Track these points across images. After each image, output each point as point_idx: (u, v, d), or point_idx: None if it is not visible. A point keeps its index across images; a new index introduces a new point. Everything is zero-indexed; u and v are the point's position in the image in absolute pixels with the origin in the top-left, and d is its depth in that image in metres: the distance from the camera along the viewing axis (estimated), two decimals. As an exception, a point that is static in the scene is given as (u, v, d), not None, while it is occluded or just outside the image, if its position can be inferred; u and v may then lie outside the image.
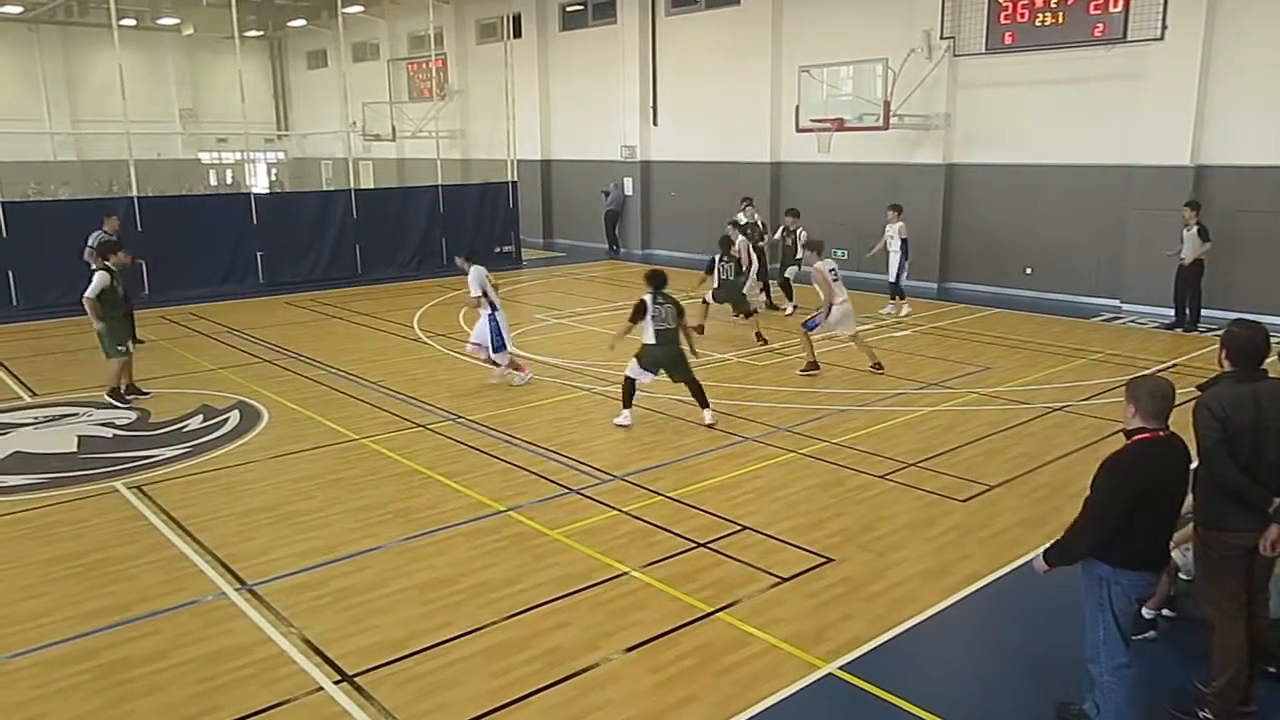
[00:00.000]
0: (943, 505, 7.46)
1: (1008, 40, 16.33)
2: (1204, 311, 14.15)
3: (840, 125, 17.95)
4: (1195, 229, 13.61)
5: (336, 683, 5.05)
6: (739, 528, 7.01)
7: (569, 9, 26.02)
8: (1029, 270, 17.28)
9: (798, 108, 18.64)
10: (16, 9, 30.18)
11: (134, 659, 5.33)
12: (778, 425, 9.54)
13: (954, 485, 7.86)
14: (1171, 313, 14.36)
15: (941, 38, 17.10)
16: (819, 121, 18.26)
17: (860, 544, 6.74)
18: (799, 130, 18.79)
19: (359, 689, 4.98)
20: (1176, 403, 4.22)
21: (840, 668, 5.14)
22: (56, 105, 34.51)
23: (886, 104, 17.21)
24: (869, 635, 5.47)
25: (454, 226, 21.59)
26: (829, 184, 20.14)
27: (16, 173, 23.85)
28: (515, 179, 23.08)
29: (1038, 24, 15.85)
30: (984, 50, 16.63)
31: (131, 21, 31.86)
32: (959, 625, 5.78)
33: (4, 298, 16.31)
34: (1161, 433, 4.15)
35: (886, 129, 17.43)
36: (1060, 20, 15.57)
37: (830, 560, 6.46)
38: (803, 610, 5.78)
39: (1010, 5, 16.14)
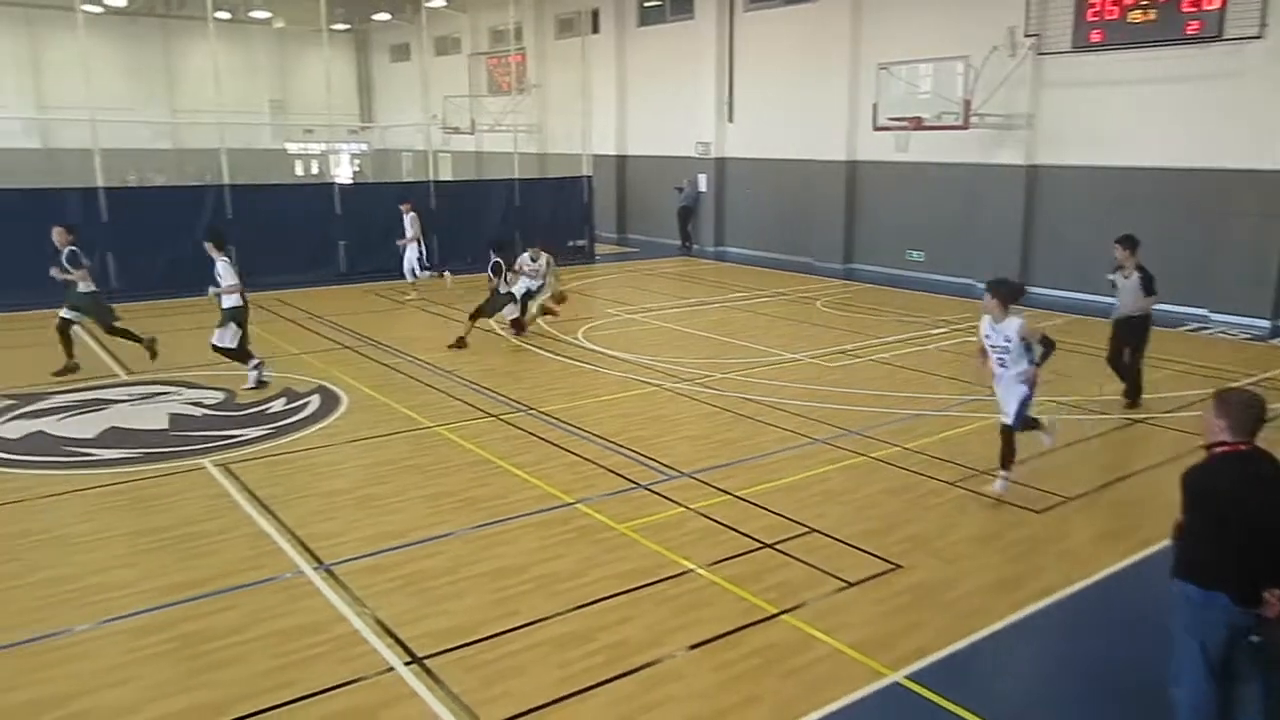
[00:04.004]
0: (1016, 515, 7.31)
1: (1095, 38, 15.85)
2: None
3: (918, 124, 17.66)
4: (1135, 275, 9.93)
5: (407, 664, 5.18)
6: (806, 530, 6.98)
7: (647, 4, 26.08)
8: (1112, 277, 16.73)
9: (875, 106, 18.40)
10: (121, 2, 31.43)
11: (215, 631, 5.55)
12: (848, 428, 9.45)
13: (1029, 495, 7.69)
14: (1265, 323, 13.63)
15: (1026, 35, 16.69)
16: (897, 120, 18.00)
17: (929, 551, 6.65)
18: (876, 129, 18.56)
19: (428, 671, 5.11)
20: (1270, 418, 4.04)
21: (907, 676, 5.09)
22: (155, 95, 35.86)
23: (967, 103, 16.88)
24: (937, 645, 5.40)
25: (529, 220, 21.82)
26: (905, 184, 19.86)
27: (117, 160, 24.86)
28: (590, 174, 23.24)
29: (1128, 21, 15.36)
30: (1070, 48, 16.18)
31: (226, 15, 32.95)
32: (1031, 639, 5.67)
33: (103, 279, 16.95)
34: (1244, 446, 3.95)
35: (966, 128, 17.11)
36: (1152, 17, 15.05)
37: (899, 567, 6.40)
38: (869, 616, 5.73)
39: (1099, 2, 15.67)
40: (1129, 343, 10.14)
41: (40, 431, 9.26)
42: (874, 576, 6.25)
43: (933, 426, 9.53)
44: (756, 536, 6.85)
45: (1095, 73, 16.36)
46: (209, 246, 10.70)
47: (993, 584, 6.17)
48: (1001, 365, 7.39)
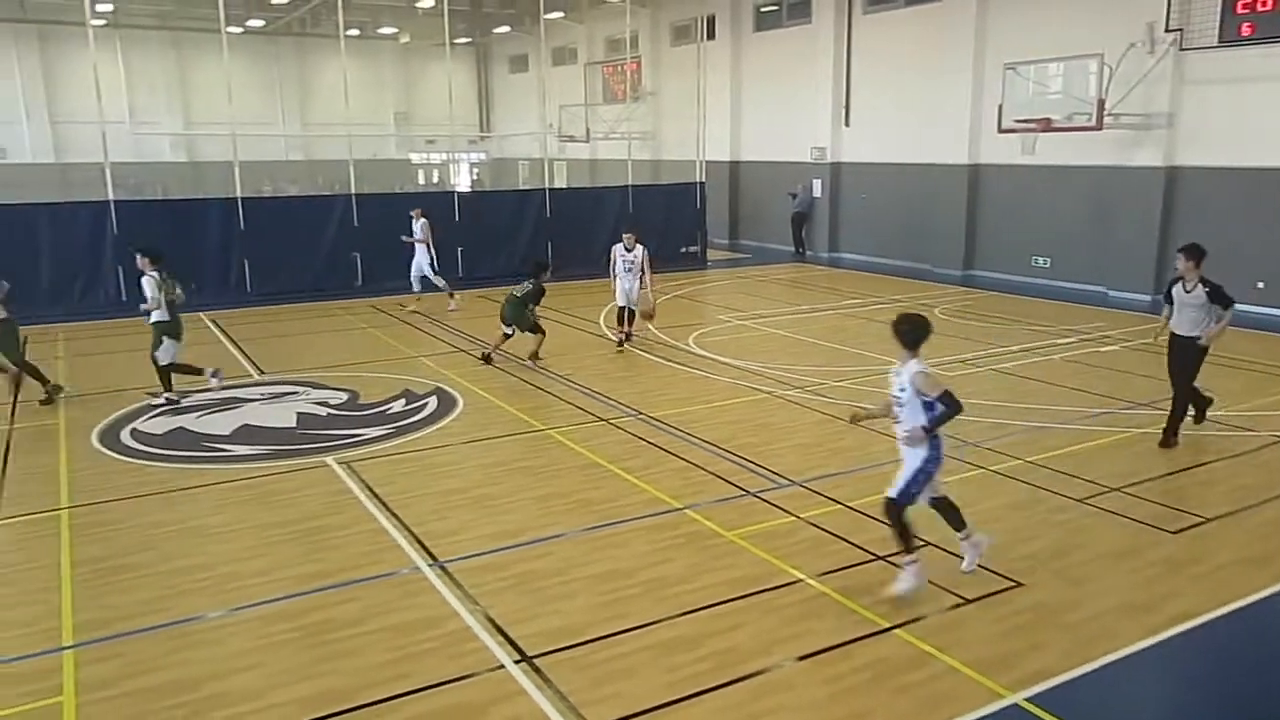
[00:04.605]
0: (1149, 535, 6.91)
1: (1246, 31, 14.89)
2: None
3: (1047, 125, 16.97)
4: (1202, 289, 8.57)
5: (516, 662, 5.27)
6: (921, 543, 6.76)
7: (763, 9, 25.91)
8: (1261, 285, 15.69)
9: (1000, 107, 17.78)
10: (259, 22, 33.24)
11: (337, 622, 5.76)
12: (966, 439, 9.12)
13: (1163, 515, 7.27)
14: None
15: (1167, 30, 15.82)
16: (1023, 122, 17.34)
17: (1053, 570, 6.35)
18: (1001, 131, 17.92)
19: (537, 670, 5.18)
20: None
21: (1027, 699, 4.87)
22: (289, 110, 37.75)
23: (1100, 102, 16.12)
24: (1060, 668, 5.15)
25: (642, 226, 21.92)
26: (1031, 188, 19.10)
27: (254, 172, 26.33)
28: (704, 179, 23.23)
29: (1285, 12, 14.38)
30: (1217, 43, 15.26)
31: (355, 32, 34.43)
32: (1164, 666, 5.34)
33: (240, 284, 18.02)
34: None
35: (1100, 129, 16.33)
36: (1311, 8, 14.06)
37: (1019, 585, 6.13)
38: (987, 635, 5.52)
39: (1250, -8, 14.74)
40: (1188, 361, 8.81)
41: (181, 428, 9.84)
42: (993, 594, 6.01)
43: (1058, 440, 9.12)
44: (868, 548, 6.69)
45: (1244, 68, 15.38)
46: (145, 261, 10.44)
47: (1122, 606, 5.85)
48: (899, 421, 5.97)
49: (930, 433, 5.79)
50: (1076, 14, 17.60)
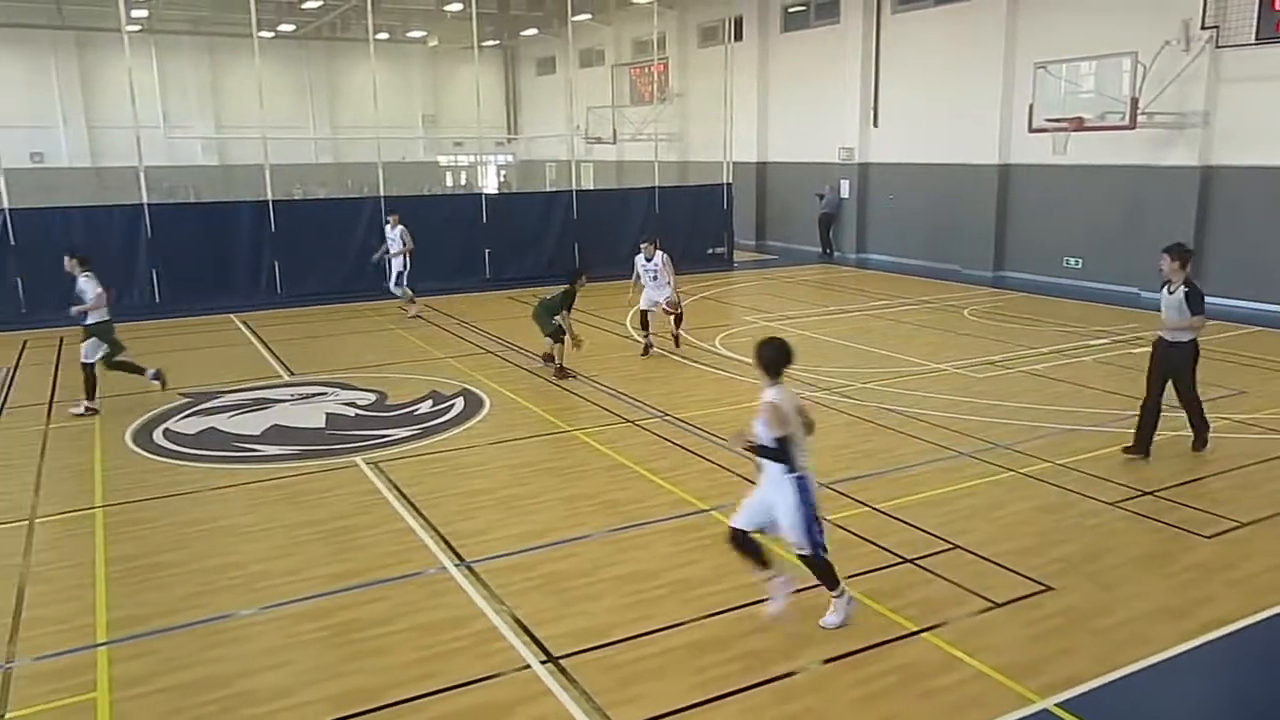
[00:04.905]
0: (1183, 540, 6.81)
1: (1284, 28, 14.65)
2: None
3: (1079, 125, 16.77)
4: (1180, 291, 8.21)
5: (543, 662, 5.28)
6: (950, 546, 6.72)
7: (791, 10, 25.83)
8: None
9: (1031, 106, 17.59)
10: (290, 27, 33.63)
11: (364, 621, 5.81)
12: (996, 441, 9.05)
13: (1198, 519, 7.15)
14: None
15: (1203, 28, 15.58)
16: (1055, 121, 17.16)
17: (1084, 574, 6.27)
18: (1032, 130, 17.73)
19: (563, 670, 5.19)
20: None
21: (1057, 704, 4.81)
22: (319, 113, 38.13)
23: (1134, 101, 15.91)
24: (1091, 673, 5.08)
25: (669, 227, 21.95)
26: (1063, 187, 18.88)
27: (284, 174, 26.58)
28: (730, 181, 23.19)
29: (1325, 9, 14.13)
30: (1254, 40, 15.01)
31: (385, 35, 34.72)
32: (1198, 673, 5.26)
33: (270, 286, 18.21)
34: None
35: (1133, 128, 16.12)
36: (1352, 3, 13.80)
37: (1049, 589, 6.06)
38: (1016, 639, 5.46)
39: (1289, -11, 14.49)
40: (1173, 373, 8.37)
41: (212, 428, 9.96)
42: (1022, 598, 5.95)
43: (1090, 443, 9.01)
44: (896, 551, 6.64)
45: (1282, 66, 15.16)
46: (75, 264, 10.52)
47: (1155, 611, 5.77)
48: None
49: (761, 452, 5.43)
50: (1109, 12, 17.38)
